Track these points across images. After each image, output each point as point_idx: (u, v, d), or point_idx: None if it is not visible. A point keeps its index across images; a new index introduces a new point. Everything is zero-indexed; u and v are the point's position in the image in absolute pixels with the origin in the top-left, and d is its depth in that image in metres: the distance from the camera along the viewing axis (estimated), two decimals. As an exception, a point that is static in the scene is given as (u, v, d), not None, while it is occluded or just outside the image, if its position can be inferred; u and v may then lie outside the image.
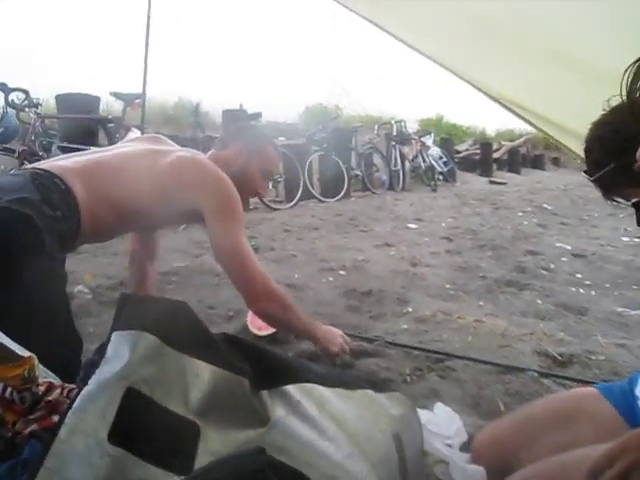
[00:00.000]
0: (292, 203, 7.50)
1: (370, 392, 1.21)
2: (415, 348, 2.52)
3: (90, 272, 3.65)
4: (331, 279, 3.83)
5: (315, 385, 1.17)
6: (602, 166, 1.24)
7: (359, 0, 2.38)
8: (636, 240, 5.58)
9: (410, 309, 3.15)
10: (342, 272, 4.02)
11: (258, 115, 7.24)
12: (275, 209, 7.12)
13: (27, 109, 5.45)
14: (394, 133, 10.91)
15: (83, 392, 0.99)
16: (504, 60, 2.17)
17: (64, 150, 5.30)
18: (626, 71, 0.78)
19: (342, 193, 8.52)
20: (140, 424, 1.00)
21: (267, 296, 1.98)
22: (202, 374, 1.10)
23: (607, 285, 3.84)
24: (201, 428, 1.05)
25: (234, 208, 1.99)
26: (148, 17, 3.11)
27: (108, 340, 1.09)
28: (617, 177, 1.23)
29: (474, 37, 2.14)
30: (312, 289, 3.50)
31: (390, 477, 1.06)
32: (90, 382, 1.01)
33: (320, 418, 1.11)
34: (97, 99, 6.63)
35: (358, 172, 9.46)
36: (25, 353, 1.13)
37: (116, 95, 5.90)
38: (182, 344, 1.11)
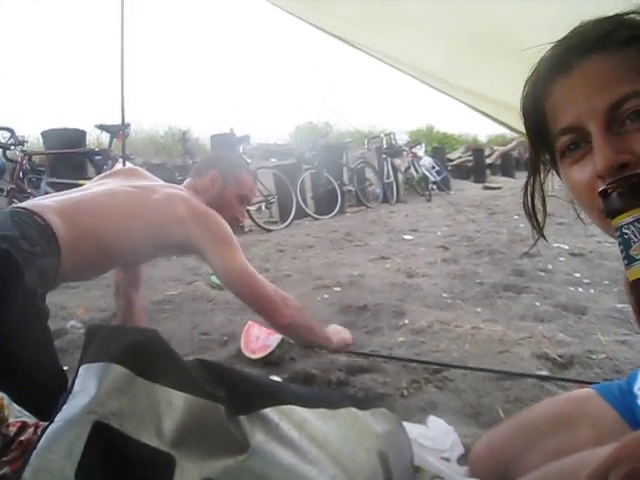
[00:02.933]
0: (286, 223, 7.48)
1: (353, 410, 1.16)
2: (411, 360, 2.47)
3: (83, 306, 3.61)
4: (326, 296, 3.78)
5: (294, 407, 1.12)
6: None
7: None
8: (633, 236, 5.53)
9: (406, 321, 3.10)
10: (337, 288, 3.97)
11: (246, 138, 7.24)
12: (269, 230, 7.08)
13: (13, 147, 5.45)
14: (384, 146, 10.92)
15: (48, 430, 0.95)
16: (428, 37, 2.12)
17: (53, 185, 5.30)
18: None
19: (336, 209, 8.50)
20: (110, 459, 0.95)
21: (285, 304, 2.02)
22: (175, 403, 1.05)
23: (606, 282, 3.79)
24: (177, 459, 1.00)
25: (227, 235, 2.03)
26: (122, 49, 3.12)
27: (76, 374, 1.05)
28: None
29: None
30: (307, 308, 3.43)
31: (377, 497, 1.01)
32: (56, 419, 0.96)
33: (300, 440, 1.06)
34: (83, 132, 6.64)
35: (351, 187, 9.45)
36: (-8, 394, 1.09)
37: (102, 127, 5.91)
38: (153, 373, 1.06)
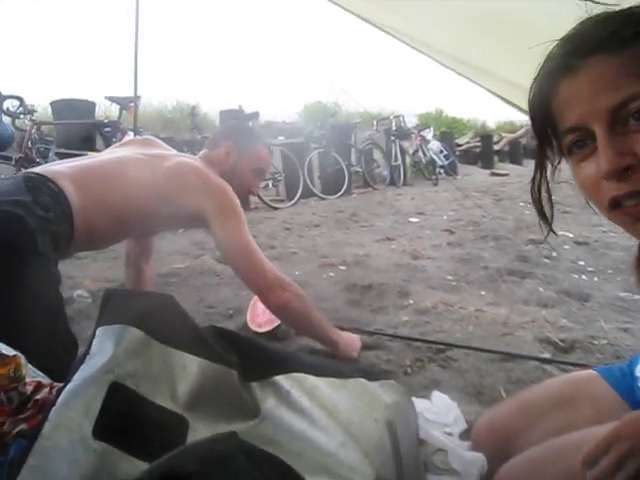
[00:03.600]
0: (293, 201, 7.49)
1: (363, 381, 1.19)
2: (415, 339, 2.49)
3: (90, 277, 3.64)
4: (332, 274, 3.81)
5: (306, 375, 1.15)
6: None
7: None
8: (639, 226, 5.54)
9: (411, 301, 3.12)
10: (343, 267, 4.00)
11: (256, 115, 7.22)
12: (276, 208, 7.10)
13: (22, 116, 5.44)
14: (393, 128, 10.86)
15: (67, 388, 0.97)
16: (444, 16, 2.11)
17: (61, 156, 5.29)
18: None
19: (343, 190, 8.50)
20: (126, 419, 0.98)
21: (281, 285, 2.00)
22: (190, 367, 1.08)
23: (610, 271, 3.80)
24: (190, 422, 1.03)
25: (235, 208, 2.02)
26: (137, 18, 3.10)
27: (93, 336, 1.07)
28: None
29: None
30: (313, 285, 3.48)
31: (384, 465, 1.04)
32: (74, 378, 0.99)
33: (311, 408, 1.09)
34: (92, 104, 6.63)
35: (358, 168, 9.44)
36: (10, 352, 1.11)
37: (111, 99, 5.89)
38: (169, 337, 1.09)
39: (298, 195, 7.59)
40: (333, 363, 1.46)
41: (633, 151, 0.68)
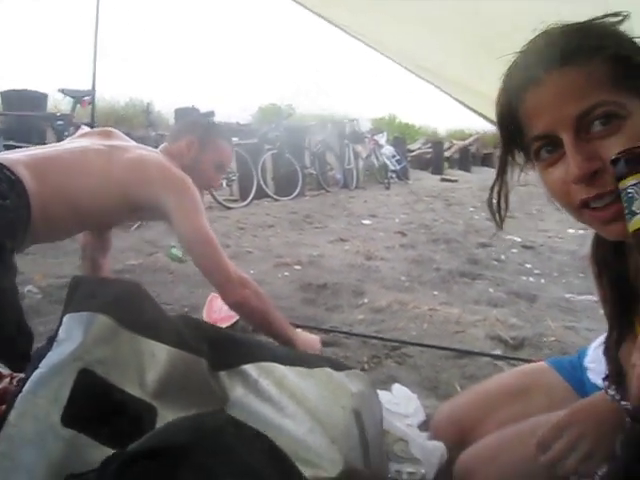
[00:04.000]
0: (246, 202, 7.46)
1: (329, 370, 1.21)
2: (371, 337, 2.54)
3: (40, 272, 3.55)
4: (287, 274, 3.82)
5: (274, 364, 1.16)
6: None
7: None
8: (581, 232, 5.75)
9: (366, 300, 3.17)
10: (298, 267, 4.02)
11: (211, 114, 7.15)
12: (230, 208, 7.06)
13: (-31, 106, 5.25)
14: (347, 132, 10.96)
15: (33, 376, 0.96)
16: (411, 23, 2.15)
17: (10, 148, 5.13)
18: None
19: (296, 191, 8.52)
20: (95, 406, 0.98)
21: (241, 282, 1.97)
22: (158, 355, 1.08)
23: (555, 274, 3.95)
24: (158, 410, 1.03)
25: (196, 201, 1.99)
26: (97, 13, 3.05)
27: (60, 323, 1.06)
28: None
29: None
30: (268, 284, 3.48)
31: (351, 451, 1.06)
32: (41, 365, 0.98)
33: (279, 396, 1.11)
34: (44, 96, 6.43)
35: (312, 170, 9.48)
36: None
37: (64, 92, 5.72)
38: (137, 325, 1.08)
39: (252, 195, 7.57)
40: (300, 353, 1.48)
41: (599, 156, 0.72)
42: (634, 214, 0.46)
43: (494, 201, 0.93)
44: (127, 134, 2.46)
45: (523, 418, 1.23)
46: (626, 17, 0.76)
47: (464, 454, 1.24)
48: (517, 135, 0.83)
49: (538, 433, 0.99)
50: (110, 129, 2.32)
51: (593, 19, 0.79)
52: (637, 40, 0.76)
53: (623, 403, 0.87)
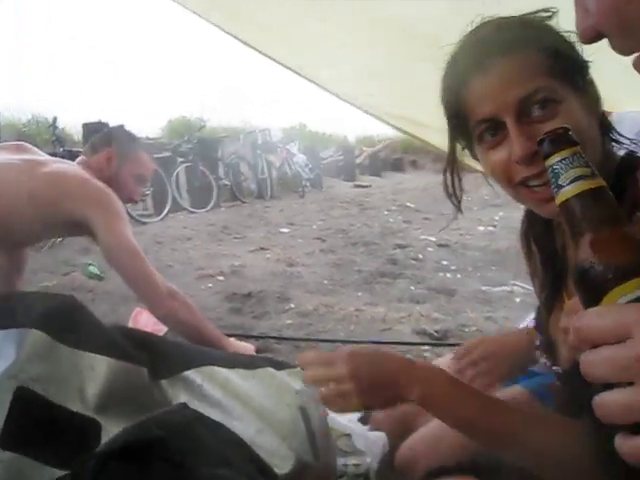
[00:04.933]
0: (162, 216, 7.31)
1: (271, 370, 1.22)
2: (300, 340, 2.56)
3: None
4: (210, 285, 3.79)
5: (215, 367, 1.16)
6: None
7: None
8: (490, 229, 6.06)
9: (292, 305, 3.20)
10: (220, 278, 3.99)
11: (121, 127, 6.97)
12: (144, 223, 6.89)
13: None
14: (259, 142, 10.97)
15: (-34, 398, 0.92)
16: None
17: None
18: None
19: (212, 203, 8.43)
20: (35, 425, 0.94)
21: (170, 294, 1.93)
22: (98, 368, 1.06)
23: (470, 268, 4.12)
24: (102, 424, 1.01)
25: (120, 213, 1.94)
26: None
27: (-12, 342, 1.02)
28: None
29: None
30: (192, 296, 3.40)
31: (301, 447, 1.08)
32: (-27, 386, 0.94)
33: (224, 399, 1.11)
34: None
35: (226, 182, 9.41)
36: None
37: (-42, 110, 5.44)
38: (74, 339, 1.06)
39: (167, 209, 7.43)
40: (239, 356, 1.48)
41: (539, 137, 0.79)
42: (561, 187, 0.51)
43: (449, 185, 0.97)
44: (34, 149, 2.36)
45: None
46: (555, 13, 0.84)
47: (405, 443, 1.29)
48: (462, 120, 0.88)
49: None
50: (21, 143, 2.22)
51: (526, 14, 0.86)
52: (565, 34, 0.83)
53: (554, 368, 0.94)
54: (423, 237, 5.58)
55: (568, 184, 0.51)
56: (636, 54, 0.44)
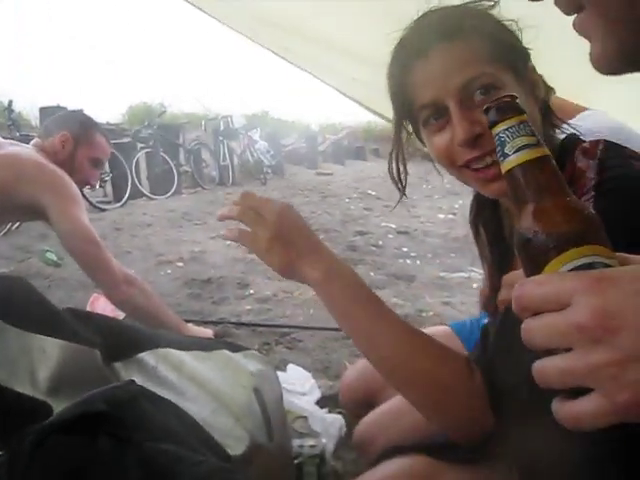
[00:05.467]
0: (121, 202, 7.20)
1: (227, 352, 1.22)
2: (259, 325, 2.57)
3: None
4: (169, 271, 3.76)
5: (170, 350, 1.16)
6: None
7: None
8: (450, 216, 6.14)
9: (252, 291, 3.20)
10: (180, 264, 3.97)
11: (80, 112, 6.81)
12: (103, 209, 6.77)
13: None
14: (221, 128, 10.87)
15: None
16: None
17: None
18: None
19: (172, 190, 8.33)
20: (-17, 409, 0.93)
21: (127, 281, 1.92)
22: (49, 350, 1.04)
23: (429, 255, 4.18)
24: (53, 407, 1.00)
25: (75, 198, 1.92)
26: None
27: None
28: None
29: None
30: (151, 282, 3.37)
31: (255, 428, 1.09)
32: None
33: (179, 381, 1.11)
34: None
35: (187, 168, 9.30)
36: None
37: None
38: (24, 321, 1.04)
39: (126, 196, 7.31)
40: (196, 338, 1.47)
41: (481, 121, 0.81)
42: (506, 156, 0.52)
43: (393, 168, 0.98)
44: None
45: None
46: (497, 3, 0.86)
47: (362, 422, 1.31)
48: (407, 105, 0.90)
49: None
50: None
51: (469, 2, 0.87)
52: (507, 22, 0.86)
53: None
54: (384, 224, 5.62)
55: (513, 153, 0.51)
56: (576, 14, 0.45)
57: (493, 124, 0.54)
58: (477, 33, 0.83)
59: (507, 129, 0.52)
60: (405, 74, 0.87)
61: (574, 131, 0.90)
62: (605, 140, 0.82)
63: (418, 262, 3.98)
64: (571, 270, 0.45)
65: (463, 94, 0.82)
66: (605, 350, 0.38)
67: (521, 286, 0.44)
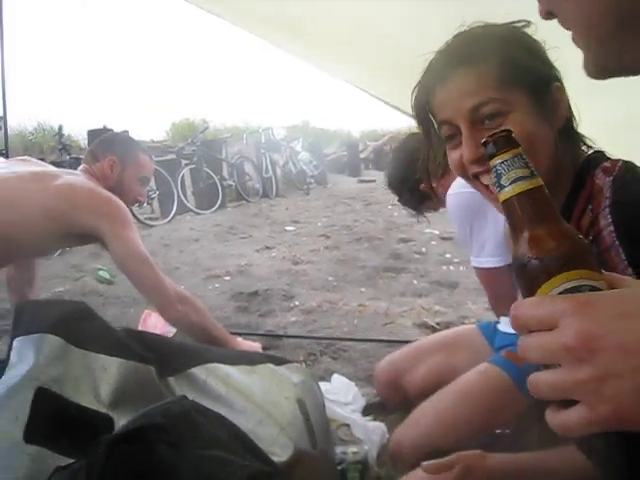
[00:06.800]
0: (168, 218, 7.41)
1: (271, 365, 1.30)
2: (305, 337, 2.64)
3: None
4: (217, 285, 3.88)
5: (218, 364, 1.24)
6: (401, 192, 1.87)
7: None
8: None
9: (297, 303, 3.28)
10: (227, 277, 4.08)
11: (125, 133, 7.07)
12: (151, 226, 6.99)
13: None
14: (263, 141, 11.04)
15: (-8, 399, 1.00)
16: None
17: None
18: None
19: (217, 204, 8.52)
20: (54, 421, 1.03)
21: (180, 299, 1.98)
22: (110, 368, 1.14)
23: (472, 261, 4.18)
24: (115, 419, 1.09)
25: (128, 221, 2.00)
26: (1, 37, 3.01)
27: (9, 347, 1.10)
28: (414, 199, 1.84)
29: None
30: (200, 297, 3.50)
31: (299, 436, 1.16)
32: (-2, 389, 1.02)
33: (227, 394, 1.19)
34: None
35: (231, 182, 9.48)
36: None
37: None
38: (86, 342, 1.14)
39: (173, 212, 7.53)
40: (242, 352, 1.56)
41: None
42: (502, 187, 0.57)
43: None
44: (41, 160, 2.43)
45: (447, 366, 1.59)
46: (529, 22, 0.93)
47: (397, 431, 1.39)
48: (431, 124, 1.00)
49: None
50: (26, 157, 2.29)
51: (499, 25, 0.95)
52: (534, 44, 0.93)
53: None
54: (427, 231, 5.63)
55: (509, 185, 0.57)
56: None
57: (490, 157, 0.59)
58: (493, 58, 0.90)
59: (503, 162, 0.58)
60: (428, 96, 0.96)
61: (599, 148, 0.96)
62: (624, 160, 0.87)
63: (461, 268, 3.99)
64: (561, 293, 0.50)
65: (473, 117, 0.90)
66: (588, 368, 0.44)
67: (517, 307, 0.50)
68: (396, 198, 1.97)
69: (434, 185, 1.61)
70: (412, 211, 1.91)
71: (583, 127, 0.98)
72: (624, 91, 1.08)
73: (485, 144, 0.60)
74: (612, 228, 0.76)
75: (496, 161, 0.58)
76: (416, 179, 1.64)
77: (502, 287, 1.52)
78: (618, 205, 0.78)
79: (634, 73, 0.54)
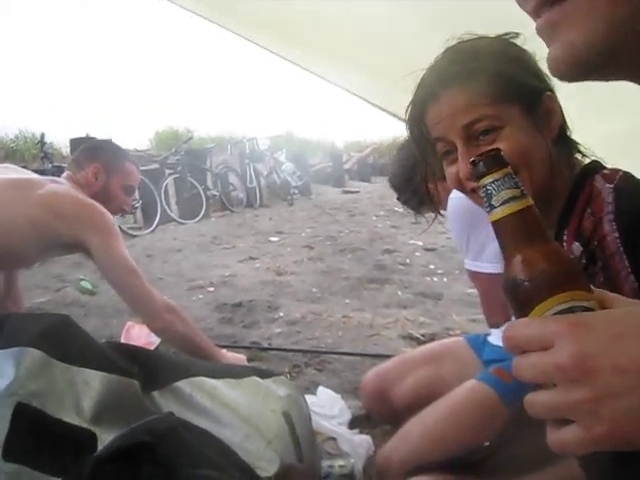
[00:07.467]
0: (151, 228, 7.35)
1: (256, 378, 1.29)
2: (289, 350, 2.63)
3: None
4: (201, 296, 3.85)
5: (203, 378, 1.22)
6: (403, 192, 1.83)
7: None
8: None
9: (281, 314, 3.27)
10: (211, 288, 4.06)
11: (109, 141, 7.01)
12: (134, 236, 6.93)
13: None
14: (247, 151, 11.04)
15: (-30, 415, 0.98)
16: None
17: None
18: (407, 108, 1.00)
19: (201, 214, 8.48)
20: (35, 438, 1.00)
21: (167, 309, 1.96)
22: (92, 382, 1.12)
23: (457, 272, 4.19)
24: (98, 435, 1.07)
25: (113, 230, 1.97)
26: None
27: (-12, 362, 1.08)
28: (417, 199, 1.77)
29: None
30: (184, 308, 3.48)
31: (285, 450, 1.14)
32: (-24, 404, 1.00)
33: (212, 408, 1.17)
34: None
35: (215, 192, 9.45)
36: None
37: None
38: (68, 355, 1.12)
39: (156, 222, 7.47)
40: (227, 366, 1.54)
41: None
42: (493, 207, 0.56)
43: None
44: (23, 168, 2.39)
45: (434, 379, 1.57)
46: (519, 34, 0.94)
47: (385, 446, 1.38)
48: (425, 140, 1.00)
49: None
50: (7, 165, 2.25)
51: (488, 38, 0.96)
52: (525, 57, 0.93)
53: None
54: (411, 242, 5.66)
55: (499, 206, 0.56)
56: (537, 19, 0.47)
57: (479, 176, 0.58)
58: (485, 75, 0.90)
59: (493, 182, 0.57)
60: (421, 113, 0.97)
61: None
62: (624, 170, 0.88)
63: (445, 279, 4.01)
64: (554, 314, 0.50)
65: (468, 133, 0.91)
66: (582, 389, 0.44)
67: (510, 328, 0.50)
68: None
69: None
70: (411, 211, 1.89)
71: (582, 139, 0.99)
72: (622, 106, 1.09)
73: (474, 163, 0.59)
74: (617, 235, 0.77)
75: (486, 180, 0.57)
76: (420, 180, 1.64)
77: (498, 294, 1.52)
78: (622, 213, 0.79)
79: (609, 76, 0.47)
